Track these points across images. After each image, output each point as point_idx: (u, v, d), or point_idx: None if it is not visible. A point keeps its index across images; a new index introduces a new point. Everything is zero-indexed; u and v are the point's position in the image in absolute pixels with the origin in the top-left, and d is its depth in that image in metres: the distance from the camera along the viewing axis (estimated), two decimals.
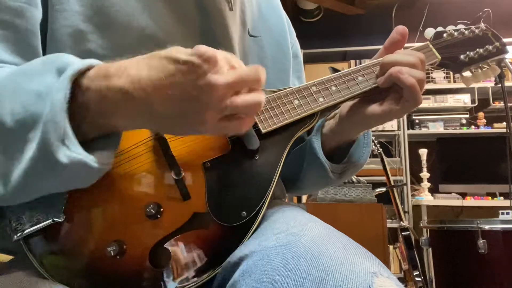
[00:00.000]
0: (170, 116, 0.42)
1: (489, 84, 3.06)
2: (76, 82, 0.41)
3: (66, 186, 0.45)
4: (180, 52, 0.41)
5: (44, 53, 0.54)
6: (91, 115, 0.42)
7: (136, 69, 0.41)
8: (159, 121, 0.43)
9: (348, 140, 0.67)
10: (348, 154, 0.68)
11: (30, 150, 0.40)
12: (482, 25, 0.69)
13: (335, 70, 0.65)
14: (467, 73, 0.71)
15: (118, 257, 0.48)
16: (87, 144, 0.43)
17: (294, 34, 0.85)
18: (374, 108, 0.60)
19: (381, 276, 0.39)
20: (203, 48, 0.40)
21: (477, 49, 0.67)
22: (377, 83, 0.61)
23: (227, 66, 0.42)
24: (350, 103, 0.64)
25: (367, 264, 0.40)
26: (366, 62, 0.65)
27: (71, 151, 0.40)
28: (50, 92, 0.40)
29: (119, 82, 0.41)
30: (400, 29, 0.62)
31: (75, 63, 0.42)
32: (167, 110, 0.42)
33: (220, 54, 0.41)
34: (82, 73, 0.42)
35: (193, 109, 0.42)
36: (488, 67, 0.69)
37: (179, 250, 0.50)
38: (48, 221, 0.46)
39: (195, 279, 0.48)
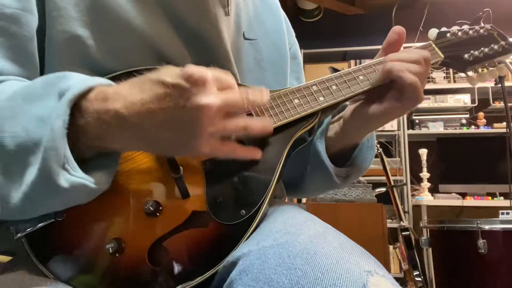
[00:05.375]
0: (164, 139, 0.43)
1: (489, 84, 3.05)
2: (76, 104, 0.42)
3: (65, 205, 0.46)
4: (170, 74, 0.41)
5: (43, 59, 0.54)
6: (89, 137, 0.43)
7: (130, 94, 0.42)
8: (153, 144, 0.44)
9: (353, 144, 0.67)
10: (351, 158, 0.67)
11: (31, 175, 0.40)
12: (487, 25, 0.69)
13: (335, 70, 0.65)
14: (472, 73, 0.70)
15: (117, 254, 0.48)
16: (85, 164, 0.43)
17: (293, 34, 0.84)
18: (375, 107, 0.60)
19: (376, 275, 0.39)
20: (191, 69, 0.40)
21: (482, 48, 0.67)
22: (378, 80, 0.61)
23: (218, 86, 0.42)
24: (353, 106, 0.64)
25: (363, 263, 0.41)
26: (367, 62, 0.65)
27: (71, 175, 0.41)
28: (51, 116, 0.40)
29: (115, 105, 0.41)
30: (397, 29, 0.62)
31: (75, 86, 0.42)
32: (160, 134, 0.43)
33: (210, 75, 0.41)
34: (83, 95, 0.42)
35: (185, 133, 0.42)
36: (494, 67, 0.69)
37: (178, 248, 0.50)
38: (50, 220, 0.47)
39: (194, 277, 0.48)
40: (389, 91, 0.60)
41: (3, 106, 0.43)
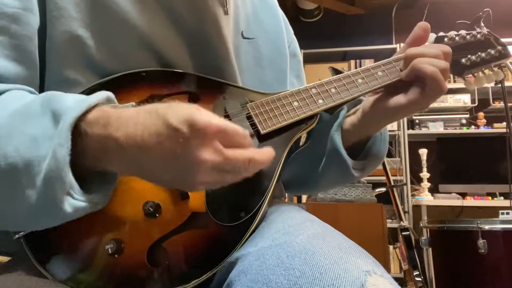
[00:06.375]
0: (157, 175, 0.42)
1: (489, 84, 3.05)
2: (75, 127, 0.40)
3: (62, 222, 0.45)
4: (177, 115, 0.39)
5: (44, 59, 0.54)
6: (88, 159, 0.42)
7: (133, 124, 0.40)
8: (148, 176, 0.43)
9: (368, 136, 0.67)
10: (364, 149, 0.67)
11: (30, 199, 0.40)
12: (484, 30, 0.70)
13: (335, 70, 0.65)
14: (469, 77, 0.71)
15: (116, 255, 0.48)
16: (84, 184, 0.43)
17: (292, 32, 0.84)
18: (399, 98, 0.59)
19: (374, 275, 0.39)
20: (197, 117, 0.38)
21: (479, 53, 0.68)
22: (401, 77, 0.61)
23: (225, 141, 0.40)
24: (373, 98, 0.63)
25: (361, 263, 0.41)
26: (366, 62, 0.65)
27: (75, 200, 0.41)
28: (48, 140, 0.40)
29: (116, 133, 0.40)
30: (422, 25, 0.62)
31: (72, 109, 0.41)
32: (154, 170, 0.41)
33: (214, 127, 0.39)
34: (81, 117, 0.41)
35: (178, 177, 0.41)
36: (491, 71, 0.70)
37: (177, 249, 0.50)
38: None
39: (193, 278, 0.48)
40: (411, 84, 0.60)
41: (2, 124, 0.42)
